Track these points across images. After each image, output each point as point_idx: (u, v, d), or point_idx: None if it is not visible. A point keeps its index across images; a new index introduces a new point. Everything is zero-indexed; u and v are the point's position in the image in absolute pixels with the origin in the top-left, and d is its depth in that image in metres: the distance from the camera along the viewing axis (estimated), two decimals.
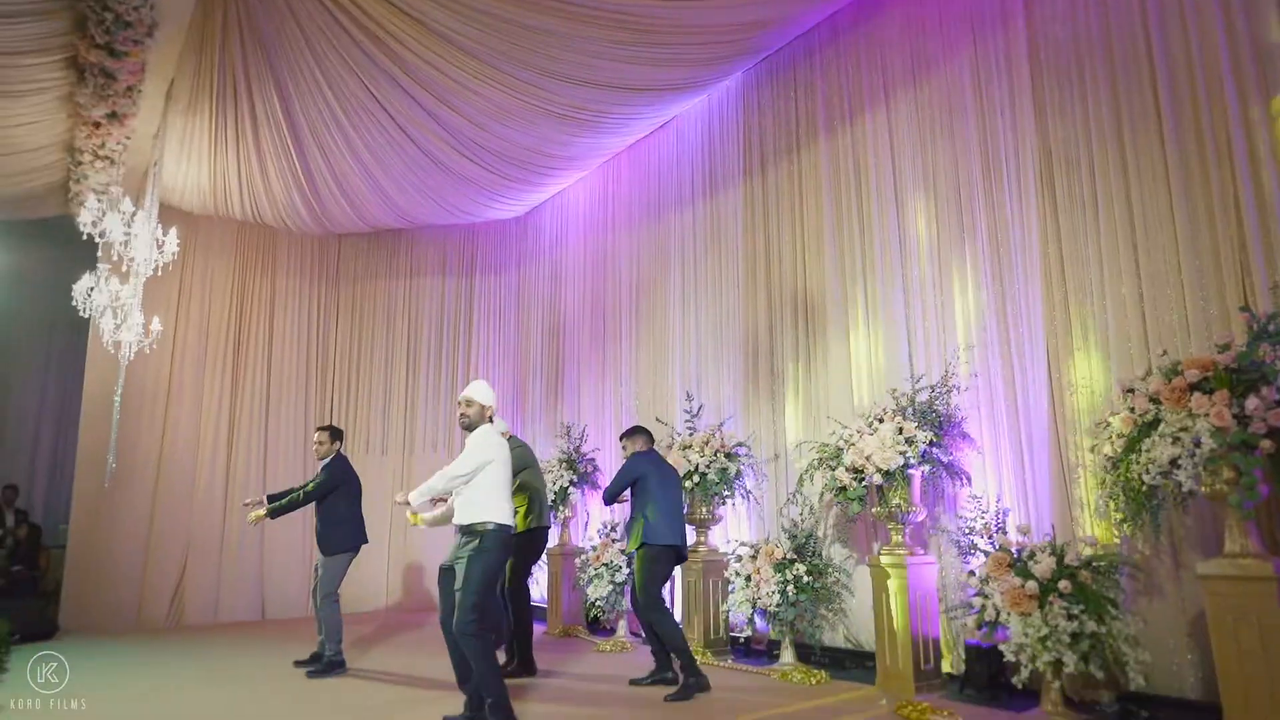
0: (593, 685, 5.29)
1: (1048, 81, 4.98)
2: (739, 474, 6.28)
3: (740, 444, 6.40)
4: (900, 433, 4.77)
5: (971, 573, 4.42)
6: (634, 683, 5.20)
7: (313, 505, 6.25)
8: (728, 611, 5.78)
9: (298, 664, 6.14)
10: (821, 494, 5.30)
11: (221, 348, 9.82)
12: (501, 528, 4.16)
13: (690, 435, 6.64)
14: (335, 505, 6.18)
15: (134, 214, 7.27)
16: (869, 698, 4.76)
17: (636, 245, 8.43)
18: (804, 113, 6.69)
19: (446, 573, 4.30)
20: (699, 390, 7.19)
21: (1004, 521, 4.47)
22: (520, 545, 5.41)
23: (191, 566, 9.20)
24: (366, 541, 6.52)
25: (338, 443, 6.52)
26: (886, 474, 4.76)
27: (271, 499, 6.44)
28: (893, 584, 4.86)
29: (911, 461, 4.74)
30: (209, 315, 9.78)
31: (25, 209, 9.28)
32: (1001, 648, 4.04)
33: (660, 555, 5.05)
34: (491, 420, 4.48)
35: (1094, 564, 3.98)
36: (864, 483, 4.91)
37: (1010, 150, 5.13)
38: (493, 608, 5.27)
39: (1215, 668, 3.40)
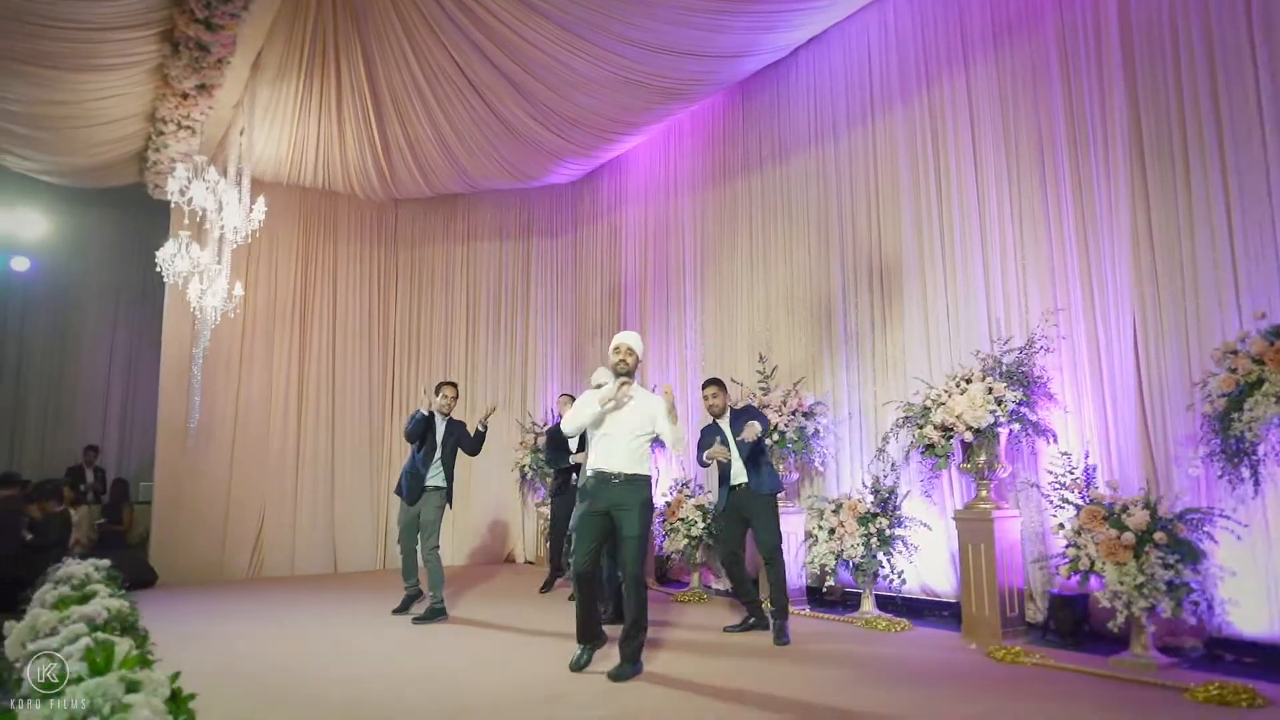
0: (693, 634, 5.59)
1: (1138, 38, 5.04)
2: (817, 432, 6.51)
3: (819, 402, 6.62)
4: (990, 392, 4.97)
5: (1061, 525, 4.64)
6: (729, 630, 5.53)
7: (415, 453, 6.47)
8: (811, 563, 6.04)
9: (395, 612, 6.48)
10: (908, 451, 5.52)
11: (289, 313, 10.10)
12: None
13: (765, 395, 6.86)
14: (451, 460, 6.49)
15: (218, 182, 7.52)
16: (958, 643, 5.02)
17: (701, 208, 8.58)
18: (880, 78, 6.77)
19: (591, 520, 4.41)
20: (769, 352, 7.39)
21: (1093, 477, 4.67)
22: None
23: (268, 522, 9.59)
24: None
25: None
26: (977, 432, 4.97)
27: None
28: (980, 537, 5.09)
29: (1001, 420, 4.94)
30: (276, 281, 10.05)
31: (99, 177, 9.54)
32: (1098, 595, 4.27)
33: None
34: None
35: (1186, 516, 4.19)
36: (951, 440, 5.12)
37: (1097, 111, 5.21)
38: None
39: None
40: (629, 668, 4.29)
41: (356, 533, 10.10)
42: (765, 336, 7.58)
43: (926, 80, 6.38)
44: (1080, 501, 4.55)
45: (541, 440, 9.60)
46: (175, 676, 2.07)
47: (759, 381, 7.11)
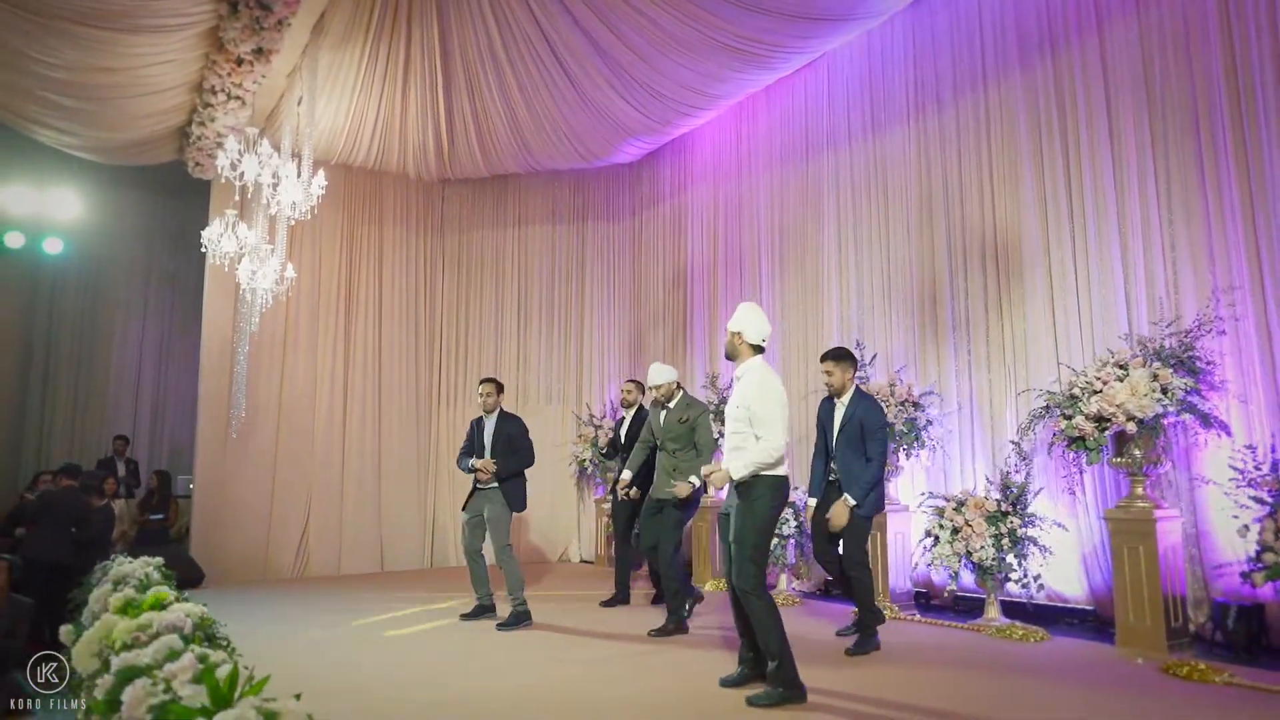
0: (805, 639, 5.11)
1: None
2: (929, 424, 6.03)
3: (929, 392, 6.14)
4: (1155, 379, 4.48)
5: (1246, 527, 4.16)
6: (841, 633, 5.08)
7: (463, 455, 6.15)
8: (934, 564, 5.55)
9: (464, 617, 6.01)
10: (1051, 445, 5.03)
11: (334, 298, 9.64)
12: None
13: (865, 384, 6.38)
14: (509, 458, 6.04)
15: (272, 155, 7.04)
16: (1118, 656, 4.54)
17: (778, 188, 8.09)
18: (992, 43, 6.28)
19: (724, 519, 3.99)
20: (863, 339, 6.91)
21: None
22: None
23: (314, 518, 9.14)
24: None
25: (502, 394, 6.31)
26: (1141, 423, 4.48)
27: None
28: (1137, 539, 4.61)
29: (1169, 410, 4.45)
30: (320, 266, 9.57)
31: (137, 154, 9.06)
32: None
33: None
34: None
35: None
36: (1105, 432, 4.64)
37: (1270, 69, 4.72)
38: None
39: None
40: (770, 693, 3.69)
41: (404, 529, 9.65)
42: (858, 322, 7.10)
43: (1051, 44, 5.88)
44: (1271, 500, 4.07)
45: (601, 435, 9.14)
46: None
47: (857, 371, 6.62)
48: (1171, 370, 4.51)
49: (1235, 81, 4.88)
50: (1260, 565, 3.99)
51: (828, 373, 5.00)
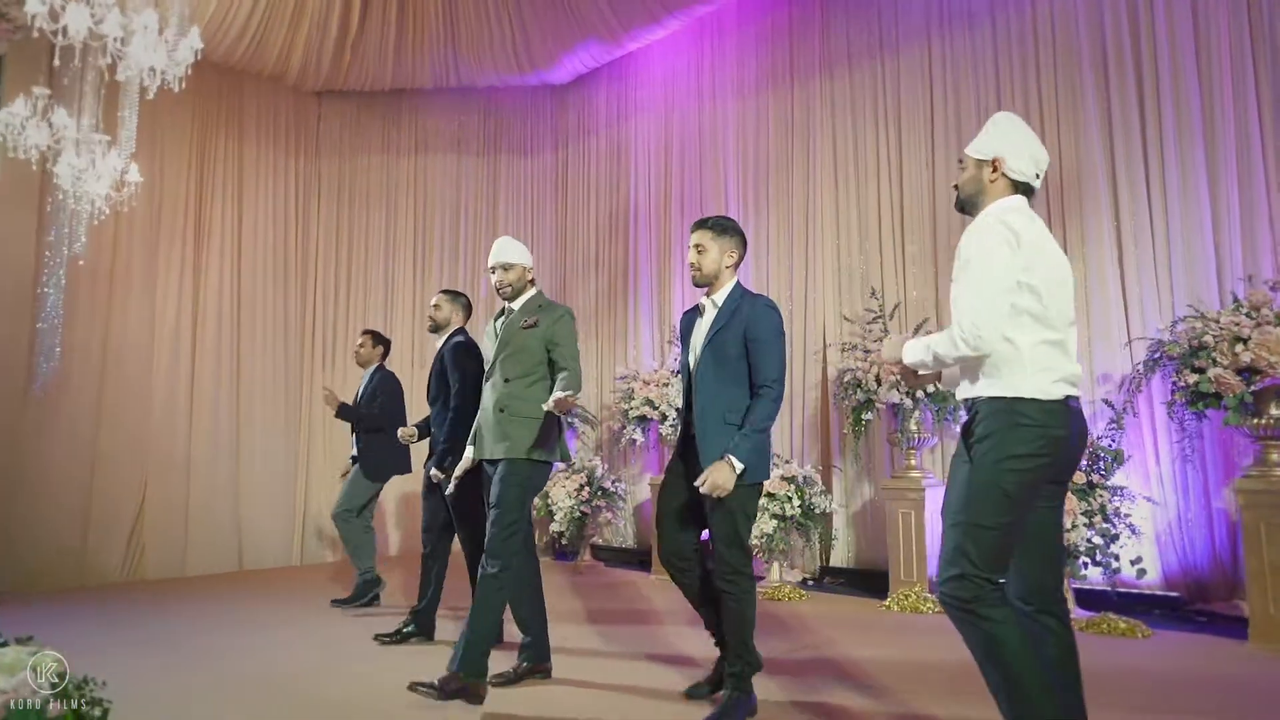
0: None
1: None
2: None
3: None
4: None
5: None
6: (692, 693, 3.37)
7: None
8: None
9: (335, 603, 5.31)
10: (1171, 402, 4.23)
11: (179, 224, 7.55)
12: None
13: (876, 342, 5.43)
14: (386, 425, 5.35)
15: (113, 5, 5.07)
16: (1262, 653, 3.81)
17: (754, 117, 6.98)
18: None
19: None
20: (865, 285, 5.96)
21: None
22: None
23: (152, 503, 7.08)
24: (410, 471, 5.53)
25: (381, 347, 5.64)
26: None
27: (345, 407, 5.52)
28: (1276, 514, 3.90)
29: None
30: (161, 181, 7.43)
31: None
32: None
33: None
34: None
35: None
36: (1253, 387, 3.89)
37: None
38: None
39: None
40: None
41: (268, 518, 7.75)
42: (861, 268, 6.13)
43: None
44: None
45: None
46: None
47: (870, 321, 5.67)
48: None
49: None
50: None
51: (697, 248, 3.12)
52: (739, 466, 2.87)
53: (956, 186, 2.42)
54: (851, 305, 6.10)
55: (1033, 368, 2.12)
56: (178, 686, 3.52)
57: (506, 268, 3.59)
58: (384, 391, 5.44)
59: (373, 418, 5.37)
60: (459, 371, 4.18)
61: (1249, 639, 3.96)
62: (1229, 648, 3.97)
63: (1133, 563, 4.38)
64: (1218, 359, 3.95)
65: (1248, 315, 3.98)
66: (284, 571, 7.35)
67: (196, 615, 5.20)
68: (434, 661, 3.60)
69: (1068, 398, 2.16)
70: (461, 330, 4.49)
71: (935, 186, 5.83)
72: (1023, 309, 2.13)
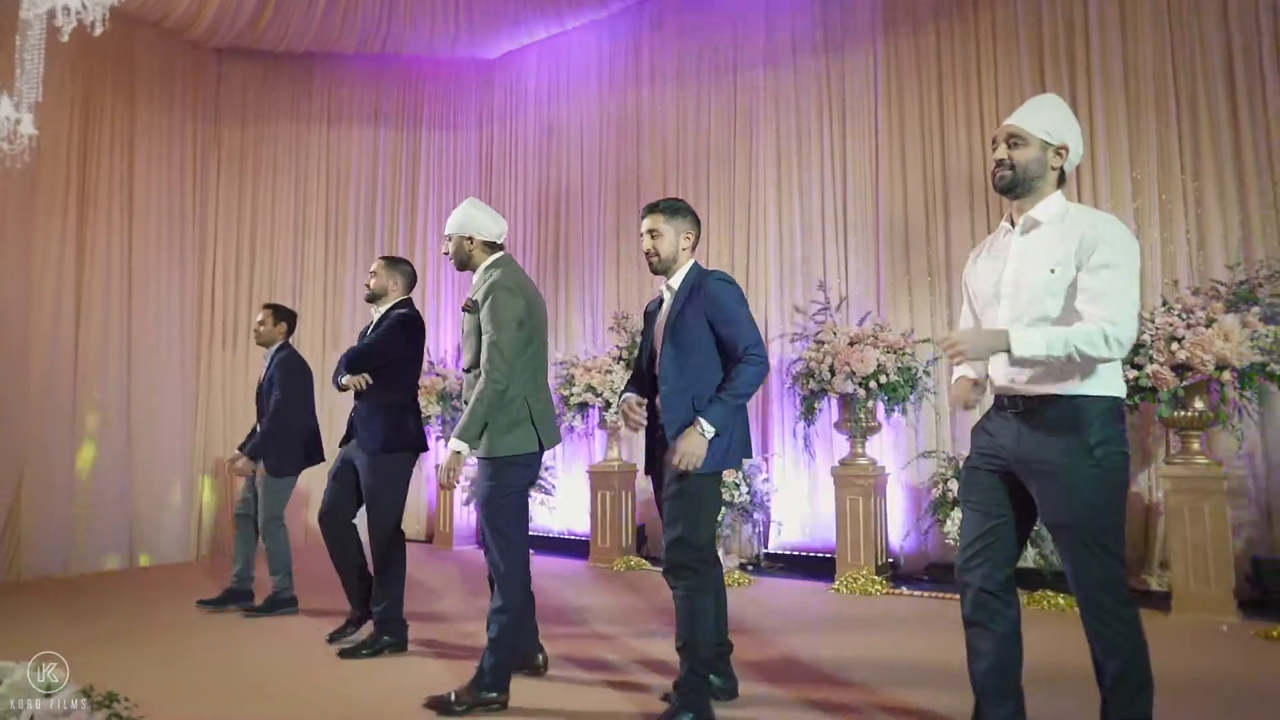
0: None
1: None
2: (927, 373, 5.36)
3: (925, 340, 5.46)
4: (1244, 327, 4.15)
5: None
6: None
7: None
8: (926, 533, 4.91)
9: (202, 604, 4.81)
10: None
11: (61, 188, 6.81)
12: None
13: (829, 335, 5.56)
14: (276, 408, 4.74)
15: None
16: (1191, 624, 4.16)
17: (694, 107, 6.98)
18: None
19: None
20: (814, 282, 6.10)
21: None
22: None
23: (30, 495, 6.37)
24: (324, 460, 4.91)
25: (284, 324, 4.99)
26: (1239, 373, 4.13)
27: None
28: (1201, 498, 4.27)
29: (1276, 360, 4.14)
30: (40, 144, 6.64)
31: None
32: None
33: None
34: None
35: None
36: (1185, 382, 4.24)
37: None
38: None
39: None
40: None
41: (164, 509, 7.15)
42: (801, 260, 6.27)
43: None
44: None
45: (450, 384, 7.42)
46: None
47: (814, 315, 5.80)
48: (1261, 319, 4.20)
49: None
50: None
51: (651, 234, 2.95)
52: (709, 430, 2.68)
53: (1007, 163, 2.25)
54: (793, 297, 6.22)
55: (1119, 372, 2.21)
56: None
57: (447, 238, 3.32)
58: (283, 379, 4.74)
59: (276, 420, 4.69)
60: (379, 344, 3.88)
61: (1172, 610, 4.32)
62: (1154, 620, 4.29)
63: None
64: (1155, 356, 4.28)
65: (1180, 316, 4.33)
66: (184, 569, 6.79)
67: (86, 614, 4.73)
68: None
69: None
70: (405, 302, 4.07)
71: (879, 182, 6.01)
72: None
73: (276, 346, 4.89)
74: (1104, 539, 2.12)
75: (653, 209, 3.00)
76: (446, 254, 3.34)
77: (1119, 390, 2.19)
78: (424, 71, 8.41)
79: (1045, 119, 2.25)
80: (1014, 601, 2.26)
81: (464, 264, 3.32)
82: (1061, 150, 2.25)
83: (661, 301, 3.02)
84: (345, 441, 3.99)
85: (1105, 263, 2.11)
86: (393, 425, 3.85)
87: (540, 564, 6.56)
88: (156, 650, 3.94)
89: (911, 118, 5.90)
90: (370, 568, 3.90)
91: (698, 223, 3.04)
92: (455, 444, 2.96)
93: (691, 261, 2.99)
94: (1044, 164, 2.24)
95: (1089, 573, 2.13)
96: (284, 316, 4.99)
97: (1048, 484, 2.16)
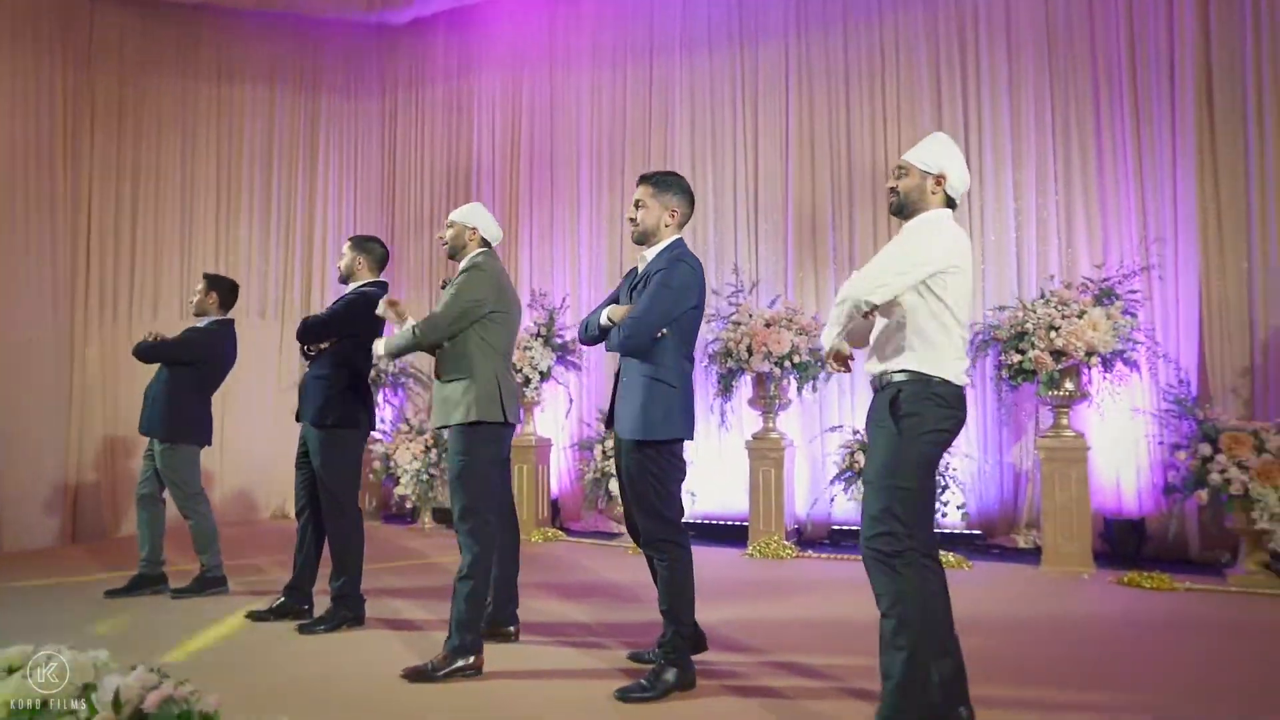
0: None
1: None
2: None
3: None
4: (1108, 318, 4.81)
5: (1178, 446, 4.70)
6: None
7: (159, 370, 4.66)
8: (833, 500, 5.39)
9: (110, 594, 4.49)
10: (998, 376, 5.13)
11: None
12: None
13: (744, 317, 5.93)
14: (189, 379, 4.59)
15: None
16: (1060, 575, 4.81)
17: (610, 90, 7.14)
18: None
19: None
20: (725, 266, 6.44)
21: (1196, 403, 4.80)
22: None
23: None
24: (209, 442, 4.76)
25: (214, 294, 4.75)
26: (1104, 358, 4.79)
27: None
28: (1068, 465, 4.93)
29: (1133, 346, 4.83)
30: None
31: None
32: (1254, 515, 4.34)
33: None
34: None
35: None
36: (1061, 365, 4.87)
37: (1163, 39, 5.29)
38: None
39: None
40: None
41: (31, 492, 6.66)
42: (715, 243, 6.60)
43: None
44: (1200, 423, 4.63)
45: None
46: None
47: (729, 296, 6.13)
48: (1120, 310, 4.88)
49: (1133, 48, 5.39)
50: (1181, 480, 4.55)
51: (637, 204, 3.05)
52: (604, 320, 3.02)
53: (895, 190, 2.58)
54: (707, 279, 6.53)
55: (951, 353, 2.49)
56: None
57: (449, 224, 3.48)
58: (199, 343, 4.61)
59: (167, 350, 4.56)
60: (335, 316, 3.96)
61: (1041, 563, 4.99)
62: (1028, 572, 4.96)
63: (959, 508, 5.30)
64: (1036, 342, 4.89)
65: (1056, 308, 4.95)
66: (51, 553, 6.35)
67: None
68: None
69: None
70: (376, 282, 4.09)
71: (789, 171, 6.40)
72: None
73: (210, 320, 4.68)
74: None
75: (644, 180, 3.08)
76: (442, 239, 3.48)
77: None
78: (324, 32, 8.09)
79: (925, 152, 2.59)
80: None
81: (455, 252, 3.47)
82: (940, 179, 2.55)
83: (635, 271, 3.13)
84: (298, 416, 3.97)
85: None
86: (340, 400, 3.87)
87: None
88: (104, 644, 3.80)
89: (820, 112, 6.32)
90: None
91: (690, 201, 3.09)
92: (378, 345, 3.51)
93: (675, 238, 3.04)
94: (924, 190, 2.56)
95: None
96: (215, 285, 4.76)
97: None
